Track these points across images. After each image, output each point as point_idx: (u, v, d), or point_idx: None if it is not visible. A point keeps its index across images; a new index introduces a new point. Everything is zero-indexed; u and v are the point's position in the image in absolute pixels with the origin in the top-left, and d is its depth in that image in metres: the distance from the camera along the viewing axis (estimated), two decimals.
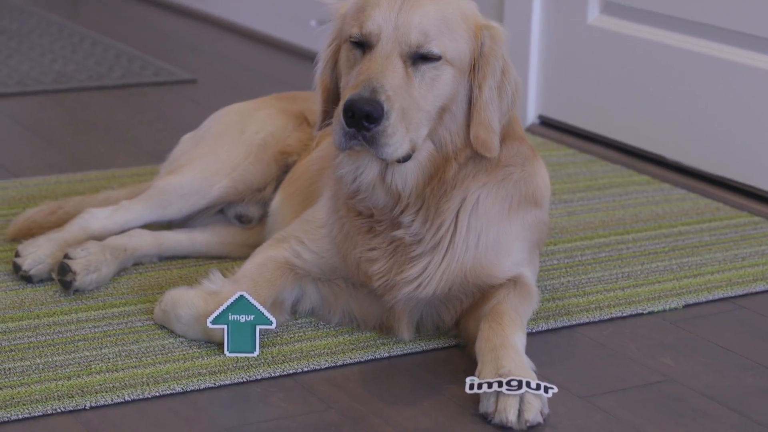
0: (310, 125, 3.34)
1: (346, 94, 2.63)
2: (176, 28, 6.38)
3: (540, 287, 3.03)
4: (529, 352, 2.70)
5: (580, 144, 4.45)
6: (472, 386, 2.54)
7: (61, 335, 2.86)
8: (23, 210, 3.48)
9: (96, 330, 2.89)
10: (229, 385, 2.68)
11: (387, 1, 2.68)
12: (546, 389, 2.52)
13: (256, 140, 3.31)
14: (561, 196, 3.87)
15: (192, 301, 2.82)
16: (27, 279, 3.12)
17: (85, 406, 2.57)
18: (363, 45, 2.69)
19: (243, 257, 3.08)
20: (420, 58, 2.66)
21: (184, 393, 2.64)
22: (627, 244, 3.49)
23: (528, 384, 2.50)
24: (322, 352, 2.81)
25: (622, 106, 4.35)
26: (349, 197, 2.83)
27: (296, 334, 2.89)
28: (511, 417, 2.49)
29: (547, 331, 2.97)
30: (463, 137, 2.75)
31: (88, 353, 2.78)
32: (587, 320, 3.02)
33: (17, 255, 3.13)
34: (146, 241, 3.25)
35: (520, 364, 2.57)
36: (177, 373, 2.69)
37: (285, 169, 3.32)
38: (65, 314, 2.97)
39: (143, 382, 2.65)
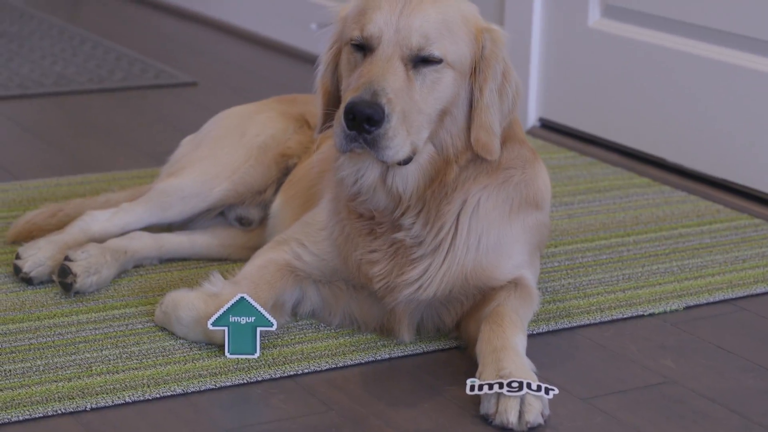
0: (310, 128, 3.34)
1: (347, 97, 2.63)
2: (177, 31, 6.38)
3: (541, 289, 3.03)
4: (530, 353, 2.70)
5: (581, 146, 4.45)
6: (472, 388, 2.54)
7: (61, 337, 2.86)
8: (24, 212, 3.48)
9: (96, 332, 2.89)
10: (229, 386, 2.68)
11: (388, 4, 2.68)
12: (547, 391, 2.52)
13: (257, 143, 3.31)
14: (562, 198, 3.87)
15: (193, 303, 2.82)
16: (27, 281, 3.12)
17: (86, 407, 2.57)
18: (364, 48, 2.70)
19: (243, 259, 3.08)
20: (421, 61, 2.66)
21: (184, 395, 2.64)
22: (628, 247, 3.49)
23: (529, 385, 2.50)
24: (323, 353, 2.81)
25: (622, 109, 4.36)
26: (349, 199, 2.83)
27: (297, 336, 2.89)
28: (512, 418, 2.50)
29: (548, 332, 2.97)
30: (464, 140, 2.76)
31: (88, 355, 2.78)
32: (588, 322, 3.02)
33: (18, 257, 3.13)
34: (147, 244, 3.25)
35: (520, 366, 2.57)
36: (178, 374, 2.70)
37: (285, 172, 3.32)
38: (66, 316, 2.97)
39: (144, 384, 2.65)
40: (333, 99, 2.85)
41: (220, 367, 2.73)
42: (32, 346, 2.82)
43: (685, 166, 4.15)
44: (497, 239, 2.82)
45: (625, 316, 3.06)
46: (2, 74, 5.26)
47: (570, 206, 3.81)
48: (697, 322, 3.05)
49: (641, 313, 3.08)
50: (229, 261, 3.31)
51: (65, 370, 2.70)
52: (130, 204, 3.29)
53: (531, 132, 4.61)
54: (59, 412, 2.55)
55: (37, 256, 3.12)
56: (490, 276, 2.82)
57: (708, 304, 3.15)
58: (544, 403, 2.53)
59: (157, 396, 2.62)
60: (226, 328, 2.74)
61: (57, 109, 4.87)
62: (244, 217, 3.35)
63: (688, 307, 3.13)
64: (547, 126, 4.66)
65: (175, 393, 2.64)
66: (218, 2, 6.42)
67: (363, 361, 2.80)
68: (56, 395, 2.60)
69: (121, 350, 2.80)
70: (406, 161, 2.68)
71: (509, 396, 2.50)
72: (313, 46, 5.56)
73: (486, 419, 2.53)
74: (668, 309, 3.10)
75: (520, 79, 2.83)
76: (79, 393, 2.61)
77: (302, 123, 3.37)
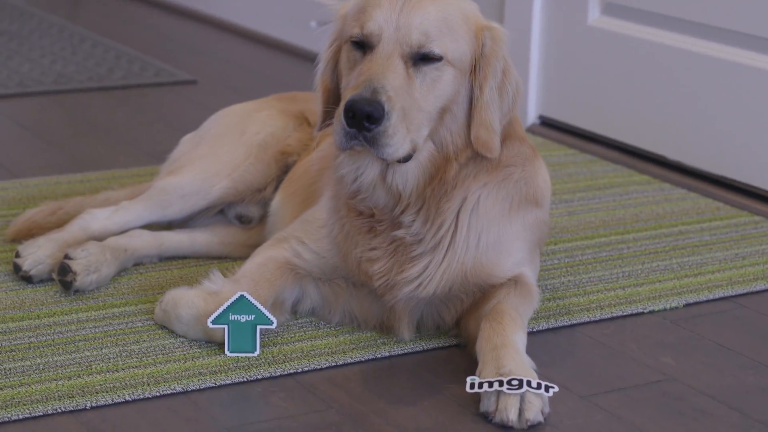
0: (310, 126, 3.34)
1: (346, 95, 2.63)
2: (176, 29, 6.38)
3: (540, 287, 3.03)
4: (530, 351, 2.70)
5: (581, 144, 4.45)
6: (472, 385, 2.54)
7: (61, 335, 2.86)
8: (23, 210, 3.48)
9: (96, 330, 2.89)
10: (229, 384, 2.68)
11: (388, 1, 2.68)
12: (547, 388, 2.52)
13: (257, 141, 3.31)
14: (561, 195, 3.87)
15: (192, 301, 2.82)
16: (27, 279, 3.12)
17: (86, 406, 2.57)
18: (364, 45, 2.69)
19: (243, 257, 3.08)
20: (421, 58, 2.66)
21: (184, 393, 2.64)
22: (627, 244, 3.49)
23: (529, 383, 2.50)
24: (323, 351, 2.81)
25: (622, 107, 4.36)
26: (349, 197, 2.83)
27: (297, 334, 2.89)
28: (512, 416, 2.50)
29: (548, 330, 2.97)
30: (464, 137, 2.76)
31: (88, 353, 2.78)
32: (588, 319, 3.02)
33: (17, 255, 3.13)
34: (146, 242, 3.25)
35: (520, 364, 2.57)
36: (177, 373, 2.70)
37: (285, 170, 3.32)
38: (65, 314, 2.97)
39: (144, 382, 2.65)
40: (333, 97, 2.85)
41: (220, 366, 2.72)
42: (32, 345, 2.82)
43: (685, 163, 4.15)
44: (497, 237, 2.82)
45: (625, 314, 3.06)
46: (2, 73, 5.26)
47: (570, 203, 3.81)
48: (697, 319, 3.05)
49: (641, 310, 3.08)
50: (228, 259, 3.31)
51: (65, 369, 2.70)
52: (129, 202, 3.29)
53: (531, 129, 4.61)
54: (59, 410, 2.55)
55: (36, 255, 3.12)
56: (490, 273, 2.82)
57: (708, 301, 3.15)
58: (544, 400, 2.53)
59: (157, 394, 2.62)
60: (225, 326, 2.74)
61: (57, 108, 4.87)
62: (243, 215, 3.35)
63: (688, 305, 3.13)
64: (547, 123, 4.66)
65: (175, 391, 2.64)
66: (218, 0, 6.42)
67: (363, 359, 2.80)
68: (56, 394, 2.60)
69: (121, 348, 2.80)
70: (406, 159, 2.68)
71: (509, 394, 2.50)
72: (312, 44, 5.56)
73: (486, 417, 2.53)
74: (668, 306, 3.10)
75: (520, 76, 2.83)
76: (79, 391, 2.61)
77: (302, 121, 3.37)
